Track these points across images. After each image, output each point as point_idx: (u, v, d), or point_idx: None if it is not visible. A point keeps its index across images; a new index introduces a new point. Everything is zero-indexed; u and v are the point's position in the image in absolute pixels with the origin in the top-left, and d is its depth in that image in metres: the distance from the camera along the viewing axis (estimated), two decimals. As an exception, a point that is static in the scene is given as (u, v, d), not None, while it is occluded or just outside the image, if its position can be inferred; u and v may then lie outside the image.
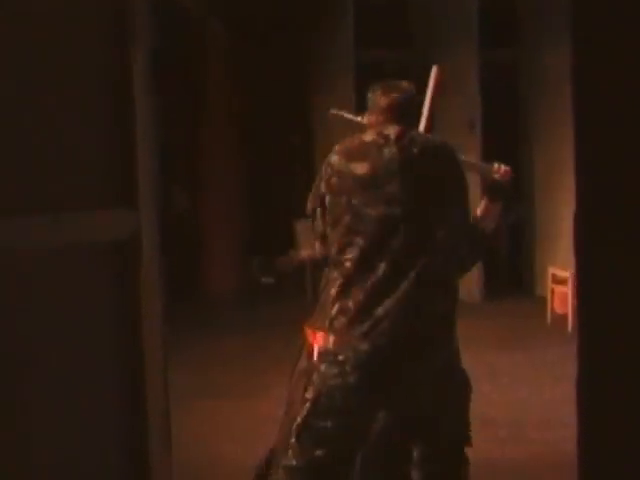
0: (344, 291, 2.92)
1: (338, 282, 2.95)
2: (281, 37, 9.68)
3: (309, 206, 3.13)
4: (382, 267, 2.89)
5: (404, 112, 3.21)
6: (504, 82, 9.77)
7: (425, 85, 4.03)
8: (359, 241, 2.90)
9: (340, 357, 2.92)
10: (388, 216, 2.91)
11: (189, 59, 9.27)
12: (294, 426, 3.05)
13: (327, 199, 3.00)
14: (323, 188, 3.05)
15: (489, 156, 9.30)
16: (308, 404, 3.01)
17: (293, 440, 3.03)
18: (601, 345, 1.29)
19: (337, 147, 3.14)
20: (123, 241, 1.69)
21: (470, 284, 9.32)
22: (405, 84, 3.34)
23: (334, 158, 3.09)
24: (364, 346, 2.89)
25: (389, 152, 3.03)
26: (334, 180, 3.02)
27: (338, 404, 2.95)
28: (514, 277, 9.87)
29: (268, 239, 9.77)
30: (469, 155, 9.09)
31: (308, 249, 9.67)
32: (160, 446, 1.77)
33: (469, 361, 7.24)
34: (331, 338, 2.96)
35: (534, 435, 5.36)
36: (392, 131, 3.08)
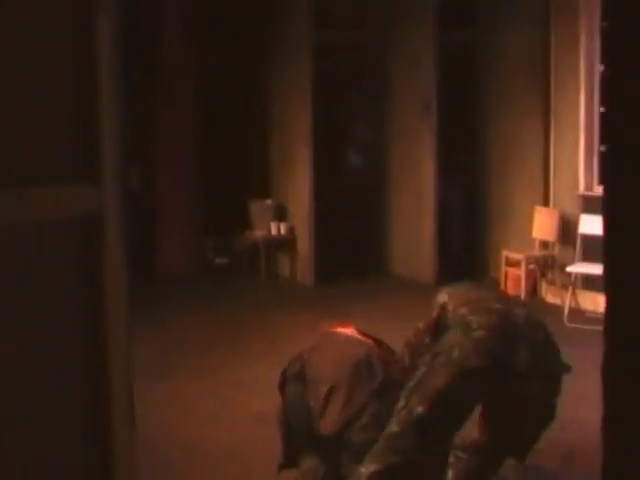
0: None
1: None
2: (238, 19, 9.57)
3: None
4: None
5: None
6: (460, 64, 9.78)
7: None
8: None
9: None
10: None
11: (144, 36, 9.11)
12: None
13: None
14: None
15: (444, 137, 9.36)
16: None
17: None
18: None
19: None
20: (87, 217, 1.63)
21: (424, 265, 9.36)
22: None
23: None
24: None
25: None
26: None
27: None
28: (468, 259, 9.93)
29: (223, 219, 9.70)
30: (425, 134, 9.17)
31: (262, 229, 9.65)
32: (125, 430, 1.72)
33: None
34: None
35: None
36: None
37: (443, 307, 3.97)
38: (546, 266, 8.51)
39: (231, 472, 4.61)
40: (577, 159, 8.20)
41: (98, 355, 1.71)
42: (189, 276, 9.32)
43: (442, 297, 4.07)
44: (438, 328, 3.92)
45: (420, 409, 3.51)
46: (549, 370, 3.92)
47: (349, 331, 4.42)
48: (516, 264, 8.40)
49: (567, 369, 4.01)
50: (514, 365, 3.70)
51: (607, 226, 1.29)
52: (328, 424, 3.88)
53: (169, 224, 9.69)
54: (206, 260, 9.91)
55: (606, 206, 1.29)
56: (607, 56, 1.30)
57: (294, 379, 4.13)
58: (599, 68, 8.10)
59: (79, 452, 1.72)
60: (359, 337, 4.32)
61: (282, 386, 4.22)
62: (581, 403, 5.02)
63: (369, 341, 4.26)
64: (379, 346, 4.23)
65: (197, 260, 9.60)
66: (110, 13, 1.64)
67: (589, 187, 8.19)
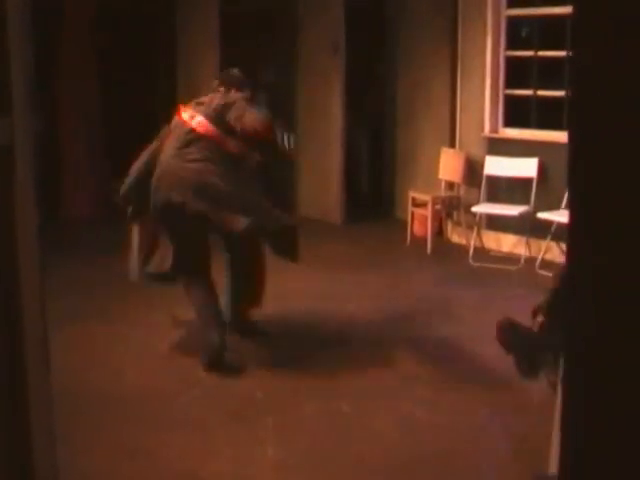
0: None
1: None
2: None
3: None
4: None
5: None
6: (369, 6, 9.75)
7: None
8: None
9: None
10: None
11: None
12: None
13: None
14: None
15: (352, 79, 9.36)
16: None
17: None
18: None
19: None
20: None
21: (331, 207, 9.42)
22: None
23: None
24: None
25: None
26: None
27: None
28: (375, 200, 10.03)
29: (129, 162, 9.50)
30: (333, 76, 9.13)
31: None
32: (40, 375, 1.69)
33: (332, 281, 7.39)
34: None
35: (396, 352, 5.52)
36: None
37: None
38: (452, 207, 8.66)
39: (144, 414, 4.60)
40: (483, 102, 8.32)
41: (10, 295, 1.68)
42: (96, 221, 9.16)
43: None
44: None
45: None
46: None
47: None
48: (423, 205, 8.51)
49: None
50: None
51: (572, 174, 1.32)
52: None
53: (73, 167, 9.46)
54: (114, 204, 9.71)
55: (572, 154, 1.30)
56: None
57: None
58: (506, 12, 8.19)
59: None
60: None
61: None
62: (481, 338, 5.18)
63: None
64: None
65: (104, 204, 9.40)
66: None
67: (494, 129, 8.33)
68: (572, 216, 1.36)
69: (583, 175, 1.29)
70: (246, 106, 5.22)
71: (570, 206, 1.38)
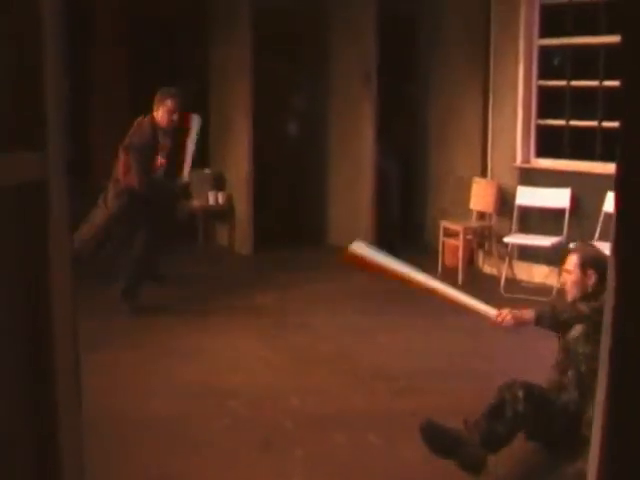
0: None
1: None
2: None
3: None
4: None
5: None
6: (401, 33, 9.77)
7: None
8: None
9: None
10: None
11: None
12: None
13: None
14: None
15: (384, 107, 9.36)
16: None
17: None
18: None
19: None
20: (31, 184, 1.58)
21: (361, 235, 9.36)
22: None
23: None
24: None
25: None
26: None
27: None
28: (406, 229, 9.99)
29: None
30: (363, 105, 9.15)
31: (200, 199, 9.56)
32: (71, 402, 1.69)
33: (363, 313, 7.36)
34: None
35: (431, 384, 5.46)
36: None
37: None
38: (483, 237, 8.61)
39: (164, 442, 4.59)
40: (515, 132, 8.29)
41: (43, 327, 1.68)
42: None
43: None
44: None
45: None
46: None
47: None
48: (454, 235, 8.47)
49: None
50: None
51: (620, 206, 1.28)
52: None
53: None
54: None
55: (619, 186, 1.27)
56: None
57: None
58: (538, 42, 8.17)
59: (25, 424, 1.68)
60: None
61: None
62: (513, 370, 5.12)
63: None
64: None
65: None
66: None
67: (526, 159, 8.29)
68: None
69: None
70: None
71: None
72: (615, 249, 1.30)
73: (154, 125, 6.85)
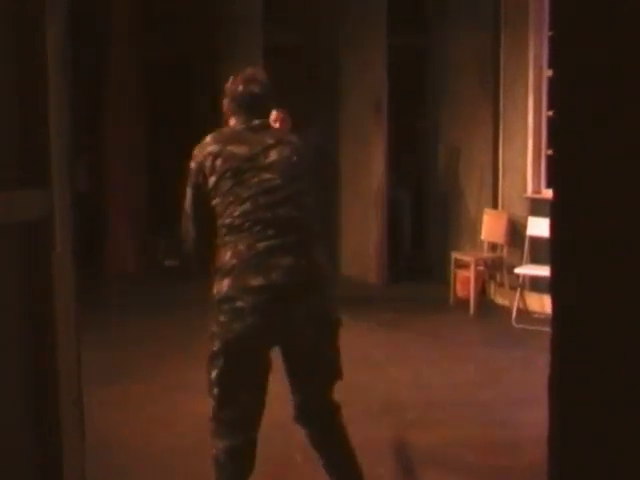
0: (234, 240, 3.31)
1: (228, 235, 3.33)
2: (191, 17, 9.52)
3: (187, 210, 3.52)
4: (267, 222, 3.33)
5: (260, 104, 3.70)
6: (410, 66, 9.85)
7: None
8: (246, 203, 3.33)
9: (238, 303, 3.32)
10: (269, 180, 3.41)
11: (93, 30, 9.02)
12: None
13: (211, 181, 3.39)
14: (202, 177, 3.44)
15: (394, 139, 9.41)
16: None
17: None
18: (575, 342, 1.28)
19: (209, 138, 3.52)
20: (36, 221, 1.61)
21: (373, 267, 9.41)
22: (260, 74, 3.83)
23: (211, 147, 3.46)
24: (260, 290, 3.30)
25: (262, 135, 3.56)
26: (217, 162, 3.41)
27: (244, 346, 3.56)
28: (417, 261, 10.00)
29: (174, 221, 9.63)
30: (375, 135, 9.19)
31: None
32: (74, 434, 1.71)
33: (375, 343, 7.34)
34: (226, 282, 3.31)
35: (441, 416, 5.44)
36: (257, 121, 3.59)
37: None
38: (495, 268, 8.60)
39: (177, 476, 4.58)
40: (525, 162, 8.31)
41: (47, 360, 1.70)
42: (138, 277, 9.24)
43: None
44: None
45: None
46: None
47: None
48: (465, 266, 8.47)
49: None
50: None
51: (555, 230, 1.32)
52: None
53: (118, 224, 9.60)
54: (156, 261, 9.83)
55: (554, 210, 1.31)
56: (555, 61, 1.32)
57: None
58: (547, 73, 8.22)
59: (29, 455, 1.70)
60: None
61: None
62: (525, 402, 5.09)
63: None
64: None
65: (147, 261, 9.51)
66: (59, 16, 1.62)
67: (537, 190, 8.30)
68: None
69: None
70: None
71: None
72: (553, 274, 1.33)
73: None
